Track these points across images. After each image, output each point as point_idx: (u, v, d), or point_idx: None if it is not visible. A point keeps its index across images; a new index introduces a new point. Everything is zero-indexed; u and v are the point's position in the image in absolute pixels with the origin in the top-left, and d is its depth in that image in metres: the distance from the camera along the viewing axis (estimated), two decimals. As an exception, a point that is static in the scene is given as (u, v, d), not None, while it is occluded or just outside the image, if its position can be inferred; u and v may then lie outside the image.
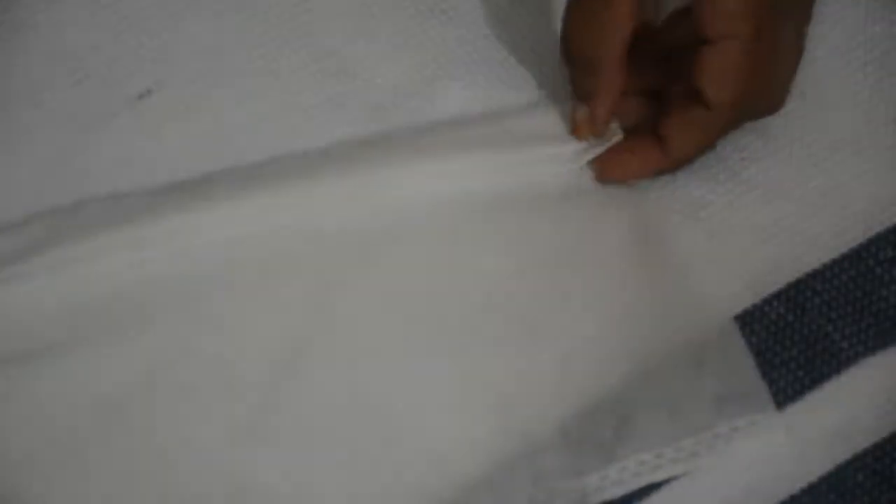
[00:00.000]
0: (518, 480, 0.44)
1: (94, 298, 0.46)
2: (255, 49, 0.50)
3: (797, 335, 0.46)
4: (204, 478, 0.44)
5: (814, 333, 0.46)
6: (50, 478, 0.44)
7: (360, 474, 0.44)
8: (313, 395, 0.45)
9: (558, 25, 0.46)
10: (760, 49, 0.44)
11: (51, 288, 0.46)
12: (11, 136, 0.48)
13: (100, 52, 0.49)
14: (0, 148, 0.48)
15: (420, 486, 0.44)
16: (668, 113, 0.46)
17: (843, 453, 0.45)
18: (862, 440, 0.45)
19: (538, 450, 0.44)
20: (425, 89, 0.49)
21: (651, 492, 0.44)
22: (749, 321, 0.46)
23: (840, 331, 0.46)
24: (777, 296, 0.46)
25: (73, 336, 0.46)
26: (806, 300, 0.46)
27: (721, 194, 0.48)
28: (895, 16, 0.50)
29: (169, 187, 0.48)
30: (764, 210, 0.47)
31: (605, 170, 0.48)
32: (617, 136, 0.47)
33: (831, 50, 0.49)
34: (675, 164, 0.47)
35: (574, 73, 0.47)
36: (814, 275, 0.47)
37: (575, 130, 0.47)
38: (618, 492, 0.44)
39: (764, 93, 0.46)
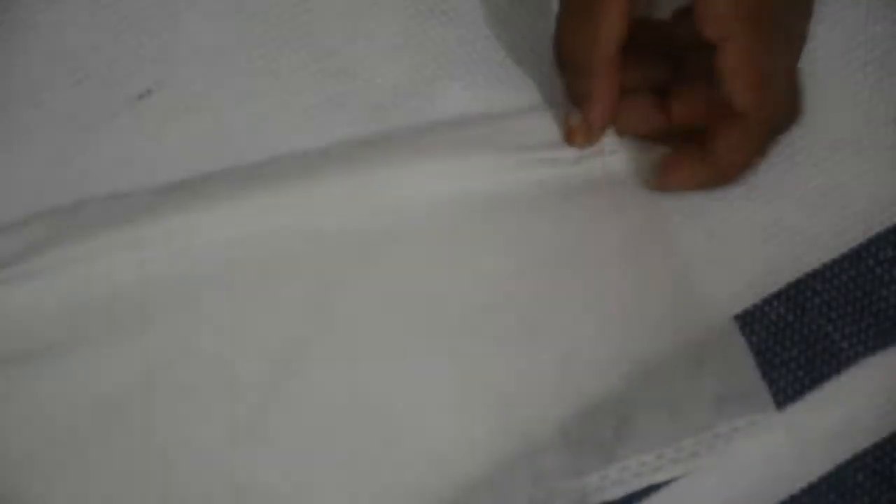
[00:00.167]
0: (518, 480, 0.44)
1: (94, 298, 0.46)
2: (255, 49, 0.50)
3: (797, 335, 0.46)
4: (204, 478, 0.44)
5: (814, 333, 0.46)
6: (50, 478, 0.44)
7: (360, 474, 0.44)
8: (313, 395, 0.45)
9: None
10: (760, 49, 0.43)
11: (51, 288, 0.46)
12: (11, 136, 0.48)
13: (100, 52, 0.49)
14: (0, 148, 0.48)
15: (420, 486, 0.44)
16: (714, 130, 0.45)
17: (843, 453, 0.45)
18: (862, 440, 0.45)
19: (538, 450, 0.44)
20: (425, 89, 0.49)
21: (651, 492, 0.44)
22: (749, 321, 0.46)
23: (840, 331, 0.46)
24: (777, 296, 0.46)
25: (73, 336, 0.46)
26: (806, 300, 0.46)
27: (721, 194, 0.48)
28: (895, 16, 0.50)
29: (169, 187, 0.48)
30: (764, 210, 0.47)
31: (661, 184, 0.47)
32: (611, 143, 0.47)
33: (831, 50, 0.49)
34: (726, 179, 0.47)
35: (567, 78, 0.47)
36: (814, 275, 0.47)
37: (569, 137, 0.47)
38: (618, 492, 0.44)
39: (778, 96, 0.46)
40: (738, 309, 0.46)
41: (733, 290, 0.46)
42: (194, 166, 0.48)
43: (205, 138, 0.49)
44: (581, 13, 0.44)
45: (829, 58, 0.49)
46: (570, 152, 0.48)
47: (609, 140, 0.48)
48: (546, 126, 0.48)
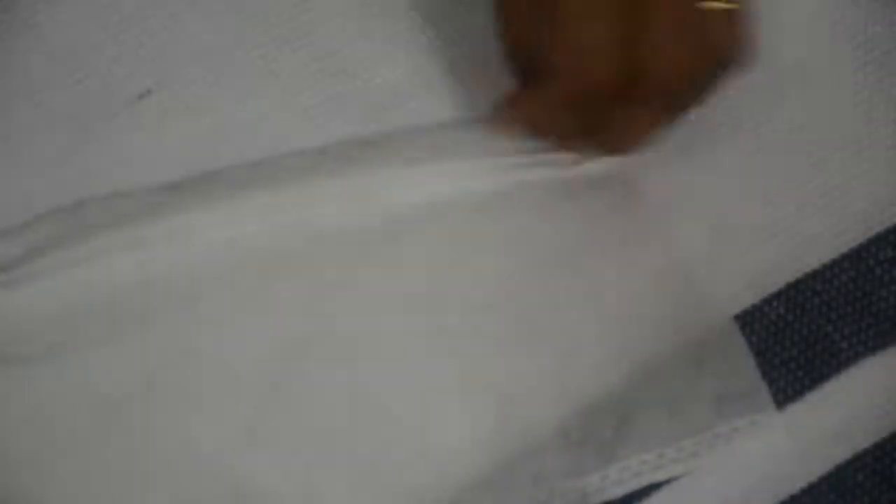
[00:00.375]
0: (518, 480, 0.44)
1: (94, 299, 0.46)
2: (255, 49, 0.50)
3: (797, 335, 0.46)
4: (203, 478, 0.44)
5: (814, 333, 0.46)
6: (50, 478, 0.44)
7: (360, 474, 0.44)
8: (313, 396, 0.45)
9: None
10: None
11: (51, 288, 0.46)
12: (11, 136, 0.48)
13: (100, 52, 0.49)
14: (0, 148, 0.48)
15: (420, 486, 0.44)
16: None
17: (843, 453, 0.45)
18: (862, 440, 0.45)
19: (538, 450, 0.44)
20: (425, 90, 0.49)
21: (651, 492, 0.44)
22: (749, 321, 0.46)
23: (840, 331, 0.46)
24: (777, 296, 0.46)
25: (74, 336, 0.46)
26: (806, 300, 0.46)
27: (721, 194, 0.48)
28: (895, 16, 0.50)
29: (169, 187, 0.48)
30: (764, 210, 0.48)
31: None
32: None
33: (831, 50, 0.49)
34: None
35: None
36: (813, 275, 0.47)
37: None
38: (618, 492, 0.44)
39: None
40: (737, 309, 0.46)
41: (733, 290, 0.46)
42: (194, 166, 0.48)
43: (205, 138, 0.49)
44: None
45: (829, 58, 0.49)
46: (569, 153, 0.48)
47: None
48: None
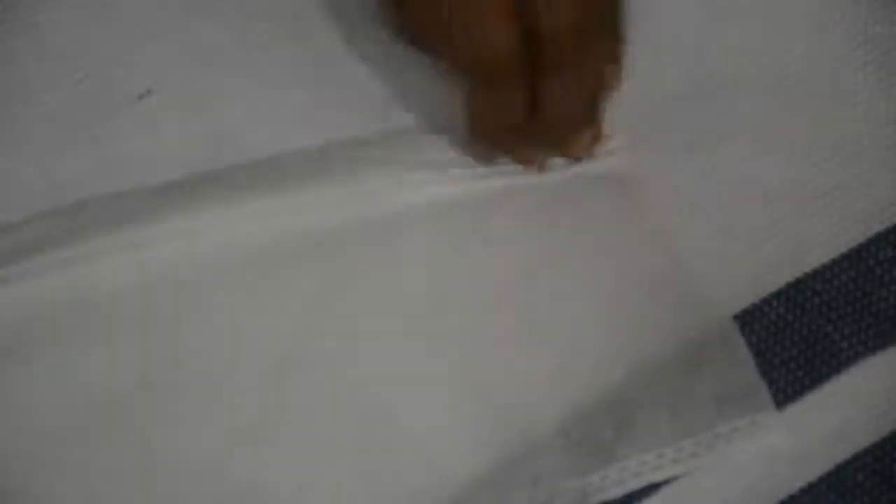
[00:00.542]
0: (518, 480, 0.44)
1: (93, 298, 0.46)
2: (255, 49, 0.50)
3: (797, 335, 0.46)
4: (203, 478, 0.44)
5: (813, 333, 0.46)
6: (48, 478, 0.44)
7: (360, 474, 0.44)
8: (313, 396, 0.45)
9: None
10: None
11: (51, 288, 0.46)
12: (11, 136, 0.48)
13: (100, 52, 0.49)
14: (0, 148, 0.48)
15: (420, 485, 0.44)
16: None
17: (843, 453, 0.45)
18: (862, 440, 0.45)
19: (538, 450, 0.44)
20: (425, 90, 0.49)
21: (651, 492, 0.44)
22: (749, 321, 0.46)
23: (840, 331, 0.46)
24: (777, 296, 0.46)
25: (73, 336, 0.46)
26: (806, 300, 0.46)
27: (721, 194, 0.48)
28: (895, 16, 0.50)
29: (169, 187, 0.48)
30: (764, 210, 0.47)
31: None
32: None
33: (831, 50, 0.49)
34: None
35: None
36: (814, 275, 0.47)
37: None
38: (618, 492, 0.44)
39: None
40: (737, 309, 0.46)
41: (733, 290, 0.46)
42: (194, 166, 0.48)
43: (205, 138, 0.49)
44: None
45: (829, 58, 0.49)
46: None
47: (609, 141, 0.48)
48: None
